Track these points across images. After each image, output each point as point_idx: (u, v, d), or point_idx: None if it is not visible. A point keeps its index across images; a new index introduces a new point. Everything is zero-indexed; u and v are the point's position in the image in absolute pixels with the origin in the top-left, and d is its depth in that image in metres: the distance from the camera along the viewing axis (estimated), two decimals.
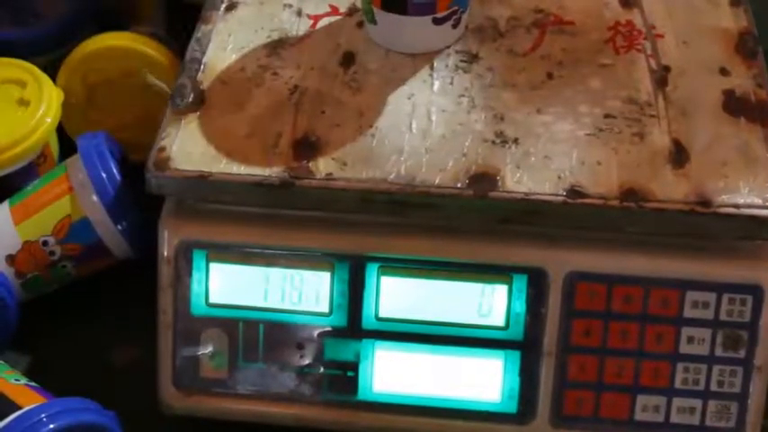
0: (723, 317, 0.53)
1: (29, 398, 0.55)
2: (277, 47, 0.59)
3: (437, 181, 0.52)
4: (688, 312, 0.53)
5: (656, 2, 0.61)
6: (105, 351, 0.62)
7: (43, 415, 0.51)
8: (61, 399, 0.54)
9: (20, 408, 0.54)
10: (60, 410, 0.52)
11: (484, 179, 0.52)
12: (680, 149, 0.53)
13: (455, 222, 0.53)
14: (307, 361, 0.55)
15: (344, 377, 0.55)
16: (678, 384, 0.54)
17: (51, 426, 0.51)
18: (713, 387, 0.54)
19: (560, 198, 0.51)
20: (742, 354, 0.53)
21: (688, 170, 0.52)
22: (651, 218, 0.51)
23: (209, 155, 0.53)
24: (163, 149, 0.53)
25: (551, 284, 0.53)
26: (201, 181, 0.52)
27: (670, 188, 0.52)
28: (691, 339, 0.54)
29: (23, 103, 0.65)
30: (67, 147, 0.68)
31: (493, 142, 0.54)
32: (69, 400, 0.53)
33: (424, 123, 0.54)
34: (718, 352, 0.54)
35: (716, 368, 0.54)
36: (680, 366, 0.54)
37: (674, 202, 0.51)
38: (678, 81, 0.57)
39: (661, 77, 0.57)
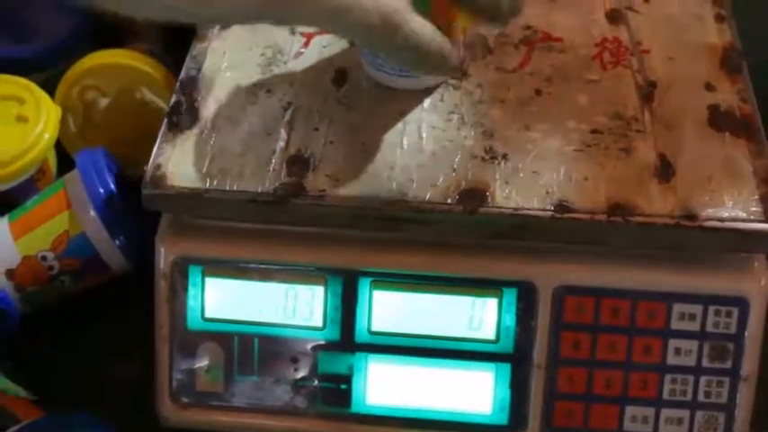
0: (710, 328, 0.54)
1: (29, 411, 0.56)
2: (271, 65, 0.59)
3: (428, 197, 0.52)
4: (675, 324, 0.54)
5: (643, 18, 0.62)
6: (103, 364, 0.63)
7: (44, 429, 0.52)
8: (61, 413, 0.54)
9: (20, 421, 0.54)
10: (60, 424, 0.53)
11: (474, 195, 0.53)
12: (666, 164, 0.54)
13: (446, 237, 0.54)
14: (301, 374, 0.55)
15: (338, 390, 0.55)
16: (666, 395, 0.54)
17: None
18: (701, 398, 0.54)
19: (548, 213, 0.52)
20: (728, 365, 0.54)
21: (674, 184, 0.53)
22: (638, 232, 0.52)
23: (205, 172, 0.54)
24: (159, 166, 0.54)
25: (540, 298, 0.54)
26: (197, 197, 0.53)
27: (656, 202, 0.52)
28: (678, 351, 0.54)
29: (22, 119, 0.65)
30: (65, 162, 0.68)
31: (482, 158, 0.54)
32: (69, 414, 0.54)
33: (414, 140, 0.55)
34: (705, 363, 0.54)
35: (703, 379, 0.54)
36: (668, 378, 0.54)
37: (661, 216, 0.52)
38: (664, 96, 0.57)
39: (647, 93, 0.58)
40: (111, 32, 0.75)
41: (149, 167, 0.54)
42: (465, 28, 0.57)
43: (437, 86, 0.58)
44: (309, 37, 0.61)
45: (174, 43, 0.77)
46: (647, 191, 0.53)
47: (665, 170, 0.54)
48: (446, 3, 0.53)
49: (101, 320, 0.65)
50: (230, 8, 0.44)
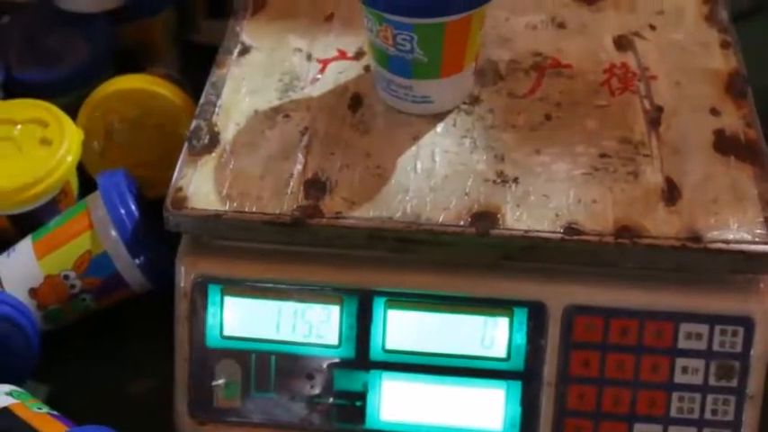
0: (716, 348, 0.55)
1: (51, 426, 0.57)
2: (288, 90, 0.61)
3: (441, 219, 0.54)
4: (682, 343, 0.55)
5: (650, 45, 0.63)
6: (123, 381, 0.64)
7: None
8: (83, 427, 0.56)
9: None
10: None
11: (485, 217, 0.54)
12: (672, 187, 0.55)
13: (458, 258, 0.55)
14: (317, 391, 0.56)
15: (353, 407, 0.56)
16: (674, 413, 0.55)
17: None
18: (707, 415, 0.55)
19: (558, 235, 0.53)
20: (735, 383, 0.55)
21: (680, 207, 0.54)
22: (645, 253, 0.53)
23: (224, 194, 0.55)
24: (180, 189, 0.56)
25: (551, 317, 0.55)
26: (217, 219, 0.54)
27: (663, 225, 0.53)
28: (685, 369, 0.55)
29: (46, 142, 0.67)
30: (86, 184, 0.70)
31: (494, 182, 0.56)
32: (90, 428, 0.55)
33: (428, 164, 0.56)
34: (712, 381, 0.55)
35: (710, 397, 0.55)
36: (675, 396, 0.55)
37: (667, 238, 0.53)
38: (671, 121, 0.59)
39: (654, 118, 0.59)
40: (131, 57, 0.77)
41: (171, 190, 0.56)
42: (476, 55, 0.58)
43: (450, 112, 0.59)
44: (325, 63, 0.62)
45: (191, 68, 0.80)
46: (654, 213, 0.54)
47: (671, 193, 0.55)
48: (460, 33, 0.55)
49: (120, 337, 0.66)
50: None
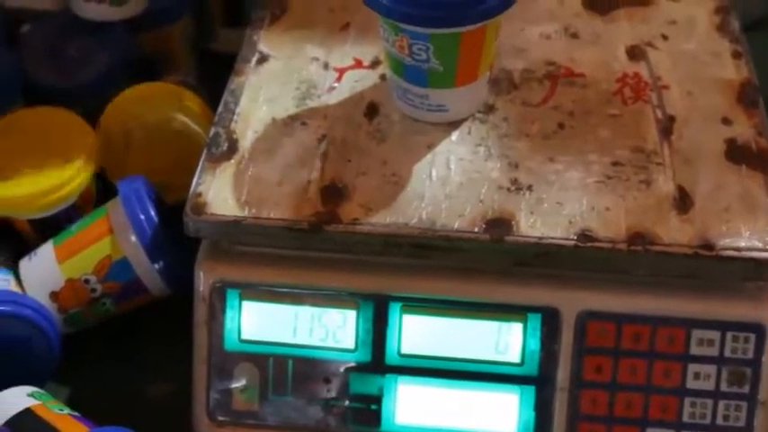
0: (728, 354, 0.55)
1: (72, 427, 0.58)
2: (305, 98, 0.62)
3: (456, 226, 0.55)
4: (694, 350, 0.55)
5: (662, 54, 0.64)
6: (142, 383, 0.65)
7: None
8: (103, 428, 0.57)
9: None
10: None
11: (500, 224, 0.55)
12: (684, 196, 0.56)
13: (473, 264, 0.56)
14: (333, 394, 0.57)
15: (368, 410, 0.57)
16: (686, 418, 0.56)
17: None
18: (719, 421, 0.56)
19: (572, 242, 0.54)
20: (746, 389, 0.55)
21: (692, 215, 0.55)
22: (657, 261, 0.54)
23: (243, 200, 0.56)
24: (199, 195, 0.56)
25: (564, 323, 0.56)
26: (236, 225, 0.55)
27: (675, 232, 0.54)
28: (697, 375, 0.56)
29: (66, 148, 0.67)
30: (106, 189, 0.71)
31: (508, 189, 0.56)
32: (111, 429, 0.56)
33: (443, 171, 0.57)
34: (724, 387, 0.55)
35: (722, 403, 0.56)
36: (687, 401, 0.56)
37: (679, 245, 0.54)
38: (683, 130, 0.59)
39: (666, 127, 0.60)
40: (150, 65, 0.78)
41: (190, 196, 0.56)
42: (491, 65, 0.59)
43: (465, 120, 0.60)
44: (342, 72, 0.63)
45: (208, 75, 0.81)
46: (667, 221, 0.55)
47: (683, 201, 0.56)
48: (475, 43, 0.56)
49: (139, 341, 0.67)
50: None
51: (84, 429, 0.58)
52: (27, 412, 0.58)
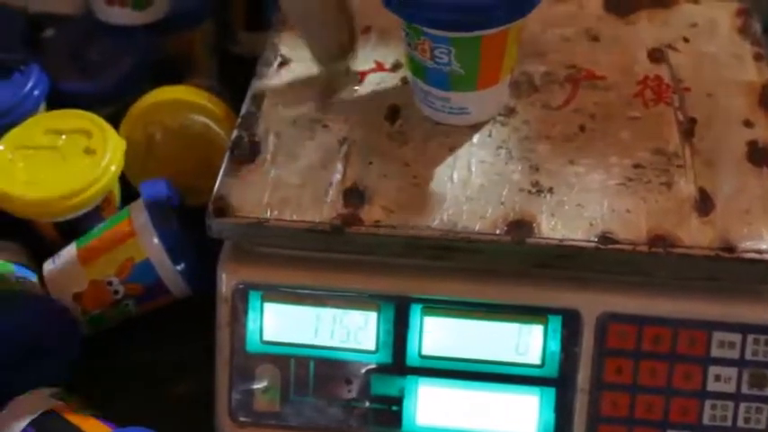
0: (748, 356, 0.55)
1: (95, 428, 0.59)
2: (327, 101, 0.62)
3: (477, 228, 0.55)
4: (715, 352, 0.55)
5: (684, 57, 0.64)
6: (164, 384, 0.65)
7: None
8: (125, 428, 0.57)
9: None
10: None
11: (521, 226, 0.55)
12: (705, 198, 0.56)
13: (494, 266, 0.56)
14: (354, 395, 0.57)
15: (389, 411, 0.57)
16: (706, 421, 0.56)
17: None
18: (740, 423, 0.56)
19: (592, 244, 0.54)
20: (767, 392, 0.56)
21: (713, 218, 0.55)
22: (678, 263, 0.54)
23: (265, 202, 0.56)
24: (222, 197, 0.57)
25: (585, 325, 0.56)
26: (258, 227, 0.56)
27: (696, 235, 0.54)
28: (718, 378, 0.56)
29: (89, 151, 0.68)
30: (128, 192, 0.71)
31: (529, 191, 0.57)
32: (134, 429, 0.57)
33: (464, 174, 0.58)
34: (745, 390, 0.56)
35: (742, 405, 0.56)
36: (708, 403, 0.56)
37: (700, 248, 0.54)
38: (704, 133, 0.59)
39: (688, 129, 0.60)
40: (172, 69, 0.79)
41: (213, 198, 0.57)
42: (512, 68, 0.60)
43: (486, 123, 0.60)
44: (363, 75, 0.64)
45: (229, 78, 0.81)
46: (688, 223, 0.55)
47: (704, 204, 0.56)
48: (496, 47, 0.56)
49: (161, 342, 0.67)
50: None
51: (107, 430, 0.58)
52: (50, 413, 0.59)
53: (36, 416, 0.59)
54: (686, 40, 0.66)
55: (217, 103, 0.72)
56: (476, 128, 0.60)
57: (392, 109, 0.61)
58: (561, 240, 0.54)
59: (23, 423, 0.58)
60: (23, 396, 0.60)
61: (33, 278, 0.67)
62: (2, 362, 0.62)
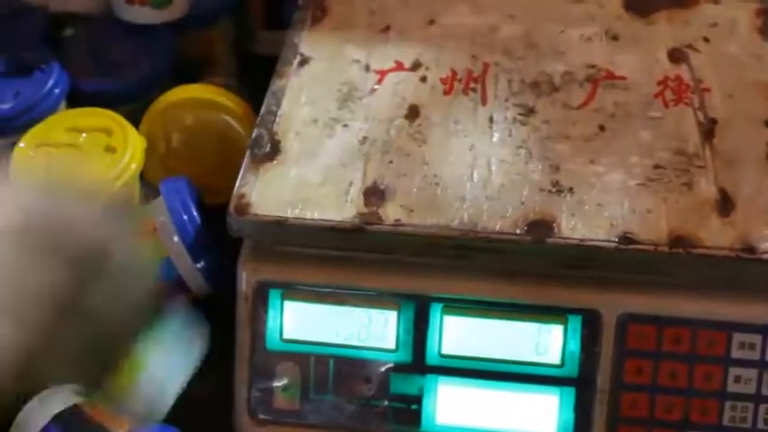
0: None
1: (117, 424, 0.59)
2: (347, 100, 0.62)
3: (497, 227, 0.55)
4: (735, 353, 0.55)
5: (704, 57, 0.64)
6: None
7: None
8: (149, 426, 0.57)
9: None
10: None
11: (541, 226, 0.55)
12: (726, 199, 0.56)
13: (514, 266, 0.56)
14: (373, 394, 0.58)
15: (409, 410, 0.58)
16: (726, 422, 0.56)
17: None
18: (760, 425, 0.56)
19: (613, 244, 0.54)
20: None
21: (734, 218, 0.55)
22: (699, 263, 0.54)
23: (286, 201, 0.57)
24: (243, 196, 0.57)
25: (604, 325, 0.56)
26: (278, 225, 0.56)
27: (717, 235, 0.54)
28: (738, 379, 0.56)
29: (110, 149, 0.68)
30: (148, 190, 0.71)
31: (549, 191, 0.57)
32: (156, 427, 0.57)
33: (484, 173, 0.58)
34: (765, 391, 0.56)
35: (762, 407, 0.56)
36: (728, 405, 0.56)
37: (721, 248, 0.54)
38: (724, 133, 0.59)
39: (708, 130, 0.60)
40: (191, 68, 0.79)
41: (234, 196, 0.57)
42: None
43: (505, 122, 0.60)
44: (383, 74, 0.64)
45: (248, 77, 0.81)
46: (708, 224, 0.55)
47: (725, 204, 0.56)
48: None
49: None
50: None
51: (130, 425, 0.58)
52: (75, 408, 0.59)
53: (59, 411, 0.59)
54: (706, 40, 0.65)
55: (236, 101, 0.72)
56: (495, 127, 0.60)
57: (412, 108, 0.61)
58: (581, 240, 0.54)
59: (47, 418, 0.59)
60: (46, 392, 0.61)
61: None
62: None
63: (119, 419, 0.59)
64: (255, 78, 0.71)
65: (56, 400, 0.59)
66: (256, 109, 0.64)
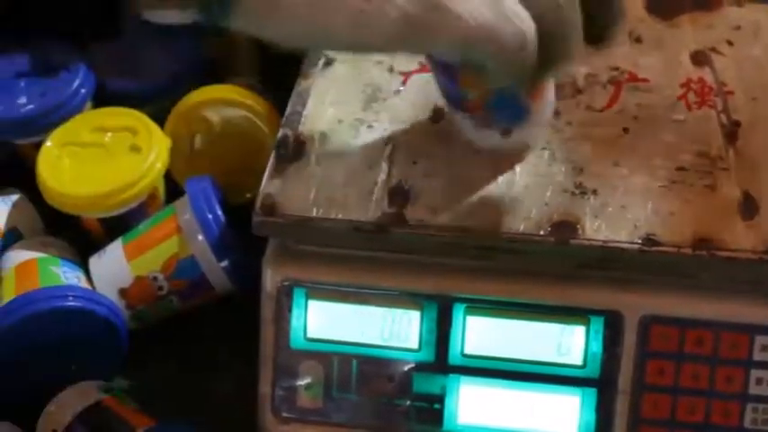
0: None
1: (141, 420, 0.60)
2: (371, 101, 0.62)
3: (521, 228, 0.55)
4: (757, 355, 0.56)
5: (727, 60, 0.64)
6: (207, 380, 0.66)
7: None
8: (170, 422, 0.58)
9: (133, 428, 0.58)
10: None
11: (564, 227, 0.55)
12: (749, 201, 0.56)
13: (537, 267, 0.56)
14: (396, 393, 0.58)
15: (431, 409, 0.58)
16: (747, 424, 0.56)
17: None
18: None
19: (636, 246, 0.54)
20: None
21: (757, 221, 0.55)
22: (722, 266, 0.54)
23: (311, 201, 0.57)
24: (268, 195, 0.57)
25: (627, 326, 0.56)
26: (303, 225, 0.56)
27: (740, 238, 0.54)
28: (759, 381, 0.56)
29: (135, 149, 0.69)
30: (172, 190, 0.72)
31: (573, 193, 0.57)
32: (177, 423, 0.58)
33: (508, 174, 0.58)
34: None
35: None
36: (749, 407, 0.56)
37: (744, 251, 0.54)
38: (748, 136, 0.59)
39: (731, 132, 0.60)
40: (215, 68, 0.80)
41: (259, 196, 0.58)
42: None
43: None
44: (407, 75, 0.64)
45: (270, 77, 0.82)
46: (732, 226, 0.55)
47: (748, 207, 0.56)
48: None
49: (204, 338, 0.68)
50: (374, 39, 0.48)
51: (152, 423, 0.59)
52: (97, 405, 0.60)
53: (83, 408, 0.60)
54: (730, 42, 0.65)
55: (260, 101, 0.73)
56: None
57: (436, 110, 0.62)
58: (605, 242, 0.54)
59: (70, 415, 0.60)
60: (70, 389, 0.61)
61: (80, 273, 0.68)
62: (50, 355, 0.63)
63: (141, 416, 0.60)
64: (277, 78, 0.71)
65: (79, 398, 0.60)
66: (278, 109, 0.64)
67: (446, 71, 0.55)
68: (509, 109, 0.56)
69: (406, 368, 0.58)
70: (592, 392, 0.57)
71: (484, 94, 0.55)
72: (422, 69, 0.64)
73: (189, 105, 0.72)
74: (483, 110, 0.56)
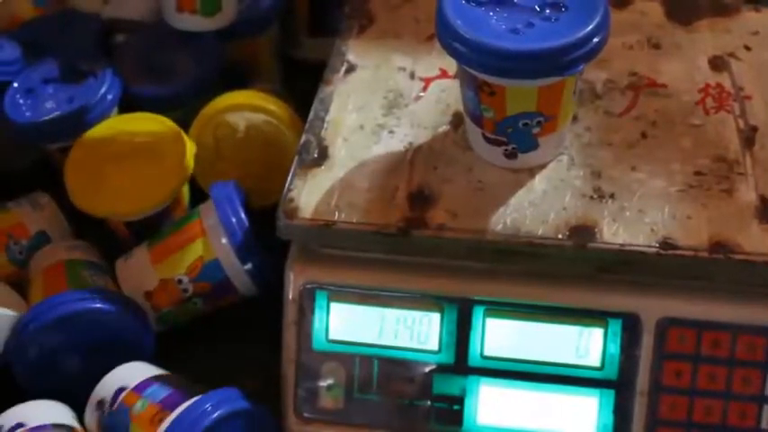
0: None
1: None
2: (393, 107, 0.63)
3: (540, 232, 0.56)
4: None
5: (745, 65, 0.65)
6: (230, 381, 0.66)
7: (208, 405, 0.57)
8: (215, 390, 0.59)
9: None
10: (222, 399, 0.58)
11: (583, 231, 0.56)
12: (766, 205, 0.56)
13: (556, 270, 0.57)
14: (416, 394, 0.59)
15: (451, 410, 0.59)
16: (765, 425, 0.56)
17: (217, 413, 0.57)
18: None
19: (653, 249, 0.55)
20: None
21: None
22: (739, 269, 0.54)
23: (333, 205, 0.58)
24: (292, 200, 0.59)
25: (644, 329, 0.57)
26: (326, 228, 0.57)
27: (757, 241, 0.55)
28: None
29: (161, 154, 0.70)
30: (196, 194, 0.73)
31: (591, 197, 0.58)
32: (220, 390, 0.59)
33: (527, 179, 0.59)
34: None
35: None
36: (766, 408, 0.56)
37: (760, 254, 0.54)
38: (765, 141, 0.60)
39: (749, 137, 0.60)
40: (238, 74, 0.81)
41: (283, 200, 0.59)
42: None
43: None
44: (428, 81, 0.65)
45: (292, 83, 0.83)
46: (748, 230, 0.55)
47: (765, 211, 0.56)
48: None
49: (229, 339, 0.69)
50: None
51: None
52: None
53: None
54: (747, 48, 0.66)
55: (283, 107, 0.73)
56: None
57: (457, 115, 0.62)
58: (622, 245, 0.55)
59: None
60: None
61: (106, 276, 0.69)
62: (77, 357, 0.64)
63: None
64: (300, 84, 0.72)
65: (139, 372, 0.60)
66: (300, 114, 0.65)
67: (473, 84, 0.55)
68: (520, 138, 0.57)
69: (426, 369, 0.59)
70: (610, 394, 0.57)
71: (500, 116, 0.56)
72: (442, 75, 0.65)
73: (213, 111, 0.73)
74: (495, 130, 0.57)
